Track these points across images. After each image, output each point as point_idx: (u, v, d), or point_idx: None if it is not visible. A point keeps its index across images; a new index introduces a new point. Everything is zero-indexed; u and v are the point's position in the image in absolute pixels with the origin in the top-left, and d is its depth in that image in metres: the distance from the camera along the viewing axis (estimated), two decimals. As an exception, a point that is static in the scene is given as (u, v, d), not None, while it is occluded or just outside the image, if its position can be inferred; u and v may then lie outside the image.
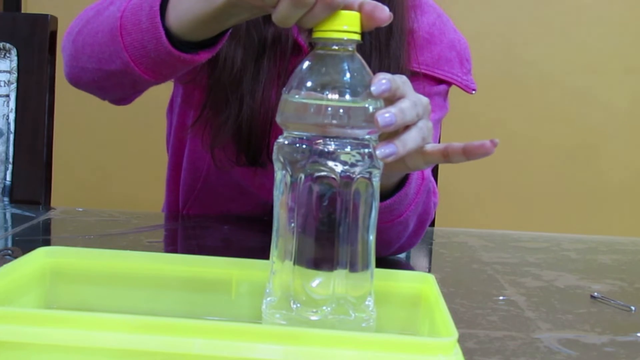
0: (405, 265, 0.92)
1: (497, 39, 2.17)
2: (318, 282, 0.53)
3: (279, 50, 0.92)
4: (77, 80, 0.86)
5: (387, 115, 0.54)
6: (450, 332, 0.47)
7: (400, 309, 0.61)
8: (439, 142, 1.02)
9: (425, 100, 0.61)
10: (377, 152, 0.54)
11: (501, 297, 0.77)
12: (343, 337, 0.44)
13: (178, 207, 1.08)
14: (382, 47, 0.92)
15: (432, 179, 0.89)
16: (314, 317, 0.53)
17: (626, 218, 2.23)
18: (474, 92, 1.03)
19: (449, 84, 1.02)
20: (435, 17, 1.02)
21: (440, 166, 1.21)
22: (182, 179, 1.05)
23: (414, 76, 0.96)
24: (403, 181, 0.79)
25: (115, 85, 0.81)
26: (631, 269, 0.95)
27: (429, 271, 0.87)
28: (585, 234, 1.18)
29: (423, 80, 0.98)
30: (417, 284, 0.61)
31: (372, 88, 0.54)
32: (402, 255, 0.93)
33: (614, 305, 0.77)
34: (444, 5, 1.07)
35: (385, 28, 0.92)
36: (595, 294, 0.80)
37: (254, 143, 0.92)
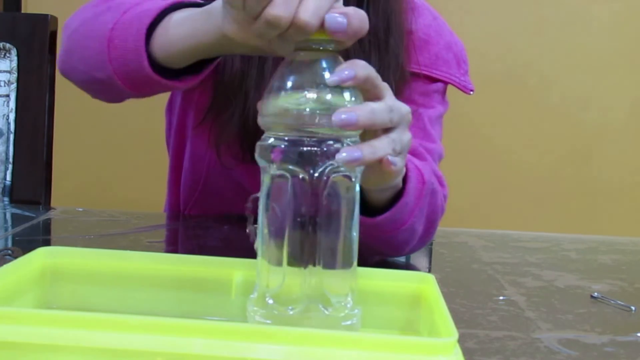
0: (405, 265, 0.92)
1: (497, 40, 2.17)
2: (292, 279, 0.53)
3: None
4: (67, 75, 0.86)
5: (344, 115, 0.52)
6: (450, 332, 0.47)
7: (400, 309, 0.61)
8: (441, 138, 1.02)
9: (404, 109, 0.59)
10: (337, 156, 0.52)
11: (501, 297, 0.77)
12: (343, 337, 0.44)
13: (179, 208, 1.08)
14: (382, 45, 0.92)
15: (437, 173, 0.88)
16: (288, 313, 0.53)
17: (626, 218, 2.22)
18: (472, 92, 1.03)
19: (446, 83, 1.01)
20: (431, 19, 1.02)
21: (440, 166, 1.20)
22: (183, 180, 1.05)
23: (412, 77, 0.96)
24: (401, 191, 0.75)
25: (103, 90, 0.82)
26: (631, 269, 0.95)
27: (429, 271, 0.87)
28: (585, 234, 1.18)
29: (421, 80, 0.97)
30: (417, 284, 0.61)
31: (333, 78, 0.53)
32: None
33: (614, 305, 0.77)
34: (445, 6, 1.07)
35: (383, 26, 0.93)
36: (595, 294, 0.79)
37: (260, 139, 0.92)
